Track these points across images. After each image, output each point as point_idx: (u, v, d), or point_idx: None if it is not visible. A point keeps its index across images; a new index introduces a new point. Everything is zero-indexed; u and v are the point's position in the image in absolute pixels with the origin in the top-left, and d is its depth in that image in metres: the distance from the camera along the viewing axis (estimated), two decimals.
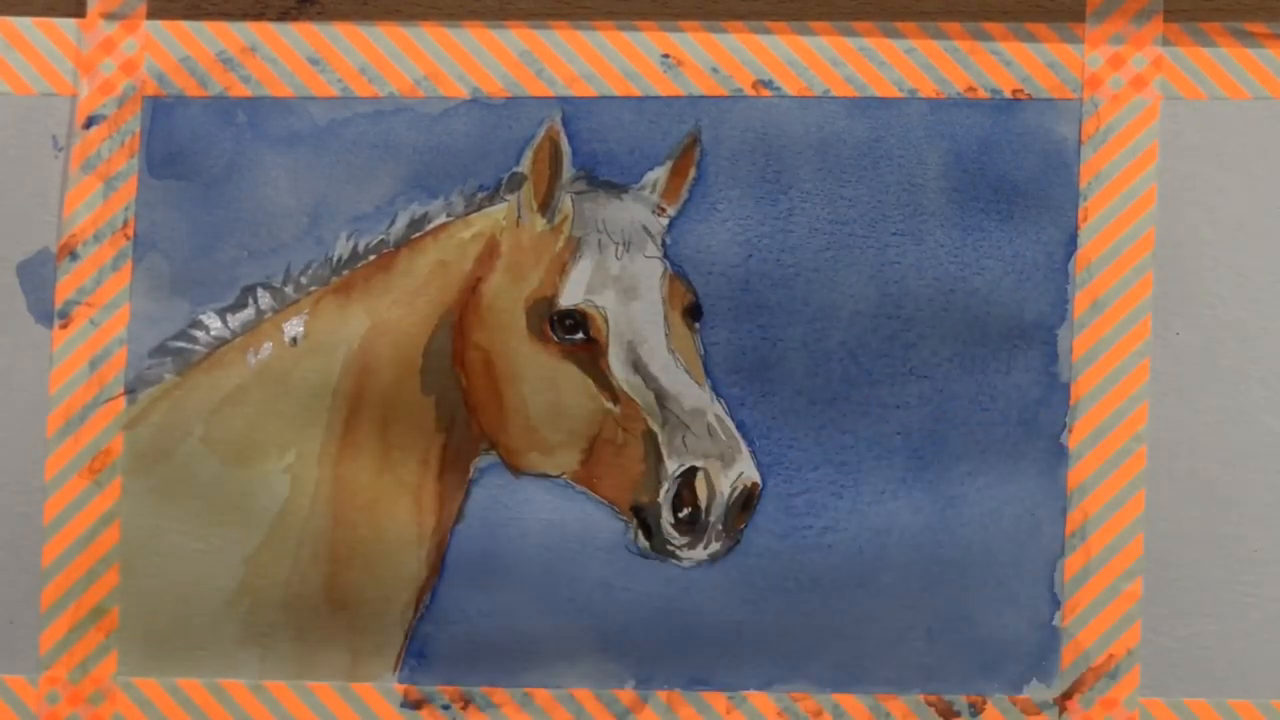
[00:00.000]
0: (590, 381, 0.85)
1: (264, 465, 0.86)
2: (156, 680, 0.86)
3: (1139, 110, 0.85)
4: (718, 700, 0.85)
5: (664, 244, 0.86)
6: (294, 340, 0.87)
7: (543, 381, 0.85)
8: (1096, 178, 0.85)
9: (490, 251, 0.86)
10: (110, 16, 0.87)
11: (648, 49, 0.86)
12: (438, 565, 0.86)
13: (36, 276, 0.87)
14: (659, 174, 0.86)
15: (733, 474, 0.84)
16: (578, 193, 0.86)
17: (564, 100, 0.86)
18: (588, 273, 0.85)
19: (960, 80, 0.85)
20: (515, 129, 0.86)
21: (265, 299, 0.87)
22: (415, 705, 0.86)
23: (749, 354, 0.86)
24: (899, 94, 0.85)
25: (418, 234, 0.87)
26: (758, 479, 0.85)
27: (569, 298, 0.85)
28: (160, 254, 0.87)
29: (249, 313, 0.87)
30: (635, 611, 0.85)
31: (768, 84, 0.86)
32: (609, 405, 0.85)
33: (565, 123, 0.86)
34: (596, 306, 0.85)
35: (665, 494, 0.84)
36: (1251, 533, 0.84)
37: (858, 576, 0.85)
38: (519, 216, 0.86)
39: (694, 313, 0.86)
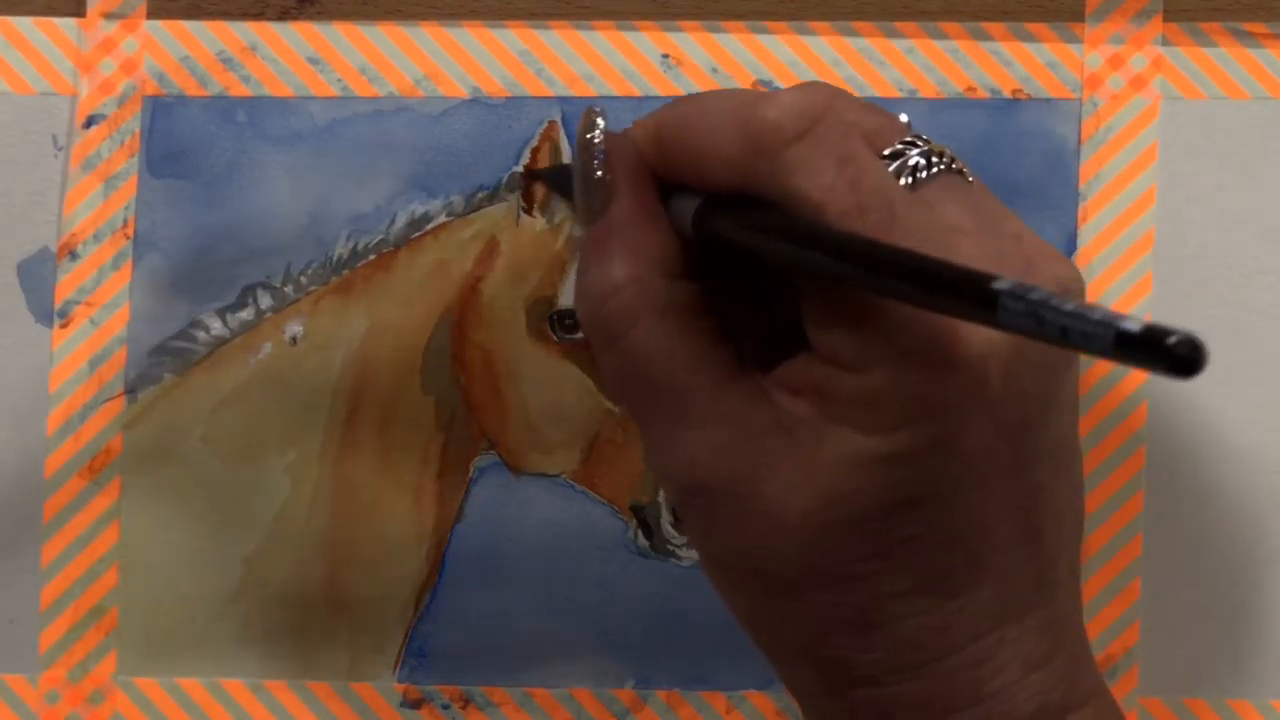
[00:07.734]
0: (590, 381, 0.85)
1: (264, 465, 0.86)
2: (156, 680, 0.86)
3: (1139, 110, 0.85)
4: (717, 700, 0.85)
5: None
6: (294, 340, 0.87)
7: (543, 381, 0.85)
8: (1096, 178, 0.85)
9: (490, 251, 0.86)
10: (110, 16, 0.87)
11: (648, 49, 0.86)
12: (438, 565, 0.86)
13: (36, 276, 0.87)
14: None
15: None
16: None
17: (564, 100, 0.86)
18: None
19: (960, 80, 0.85)
20: (515, 129, 0.86)
21: (265, 299, 0.87)
22: (415, 705, 0.86)
23: None
24: (899, 94, 0.85)
25: (418, 234, 0.86)
26: None
27: (569, 297, 0.85)
28: (160, 254, 0.87)
29: (249, 313, 0.87)
30: (635, 611, 0.85)
31: (768, 84, 0.86)
32: (609, 405, 0.85)
33: (565, 123, 0.86)
34: None
35: (664, 493, 0.84)
36: (1251, 533, 0.84)
37: None
38: (519, 216, 0.86)
39: None
